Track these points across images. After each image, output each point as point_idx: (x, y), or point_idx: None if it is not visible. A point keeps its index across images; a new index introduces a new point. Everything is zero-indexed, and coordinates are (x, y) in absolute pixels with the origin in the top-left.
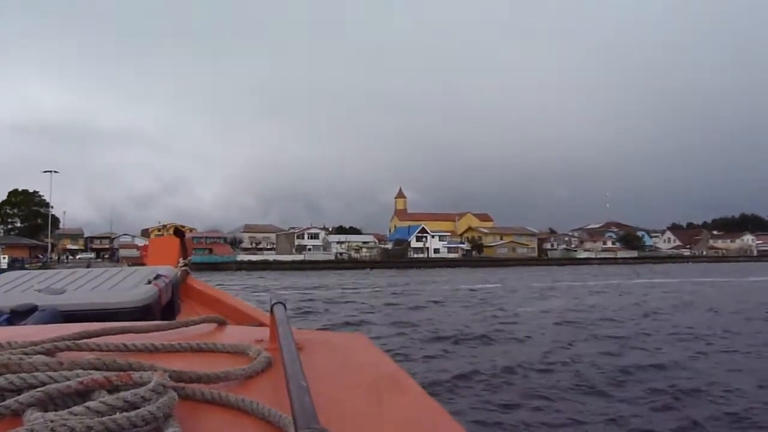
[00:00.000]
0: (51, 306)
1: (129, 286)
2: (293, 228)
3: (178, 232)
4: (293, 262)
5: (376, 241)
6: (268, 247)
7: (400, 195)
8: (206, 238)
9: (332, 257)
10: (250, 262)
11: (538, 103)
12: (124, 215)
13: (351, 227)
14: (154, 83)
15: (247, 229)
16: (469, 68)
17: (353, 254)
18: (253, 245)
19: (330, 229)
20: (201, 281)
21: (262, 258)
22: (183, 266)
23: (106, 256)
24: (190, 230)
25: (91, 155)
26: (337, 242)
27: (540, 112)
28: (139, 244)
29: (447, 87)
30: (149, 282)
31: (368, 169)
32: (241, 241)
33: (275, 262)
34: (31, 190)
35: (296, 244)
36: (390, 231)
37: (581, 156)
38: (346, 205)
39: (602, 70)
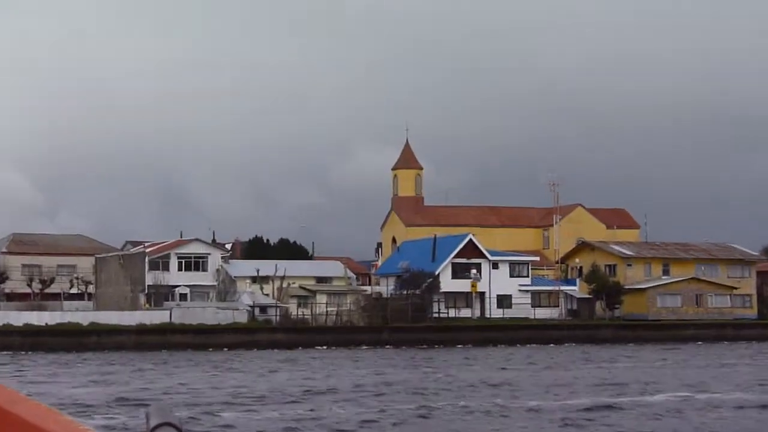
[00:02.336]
0: None
1: None
2: (131, 243)
3: None
4: (136, 331)
5: (352, 275)
6: (73, 285)
7: (408, 161)
8: None
9: (243, 317)
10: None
11: None
12: None
13: (285, 243)
14: None
15: (18, 242)
16: None
17: (297, 311)
18: (31, 280)
19: (232, 245)
20: None
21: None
22: None
23: None
24: None
25: None
26: (253, 280)
27: None
28: None
29: None
30: None
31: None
32: (2, 274)
33: (92, 330)
34: None
35: (146, 281)
36: (379, 252)
37: None
38: (265, 194)
39: None
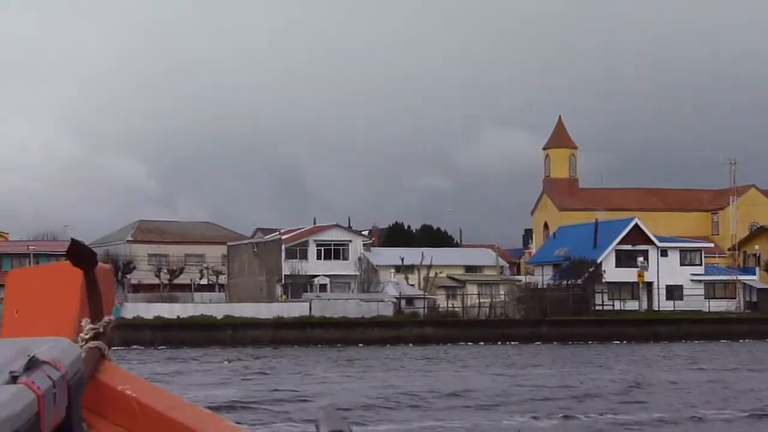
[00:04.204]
0: None
1: None
2: (262, 231)
3: (78, 249)
4: (273, 324)
5: (504, 264)
6: (203, 275)
7: (560, 140)
8: (42, 254)
9: (388, 309)
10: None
11: None
12: None
13: (428, 229)
14: None
15: (144, 230)
16: None
17: (446, 302)
18: (159, 270)
19: (370, 232)
20: (129, 372)
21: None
22: (92, 337)
23: None
24: (3, 237)
25: None
26: (397, 269)
27: None
28: None
29: None
30: (12, 378)
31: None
32: (129, 264)
33: (227, 324)
34: None
35: (282, 270)
36: (530, 240)
37: None
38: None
39: None
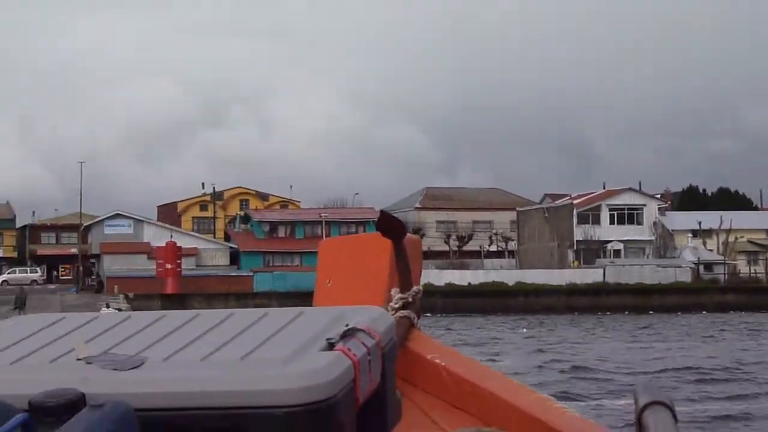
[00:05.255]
0: (113, 396)
1: (280, 354)
2: (550, 196)
3: (389, 221)
4: (566, 291)
5: None
6: (492, 242)
7: None
8: (333, 222)
9: (686, 275)
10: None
11: None
12: (111, 177)
13: (725, 192)
14: None
15: (432, 196)
16: None
17: (748, 268)
18: (448, 237)
19: (662, 196)
20: (437, 341)
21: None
22: (401, 306)
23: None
24: (295, 205)
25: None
26: (694, 234)
27: None
28: (154, 244)
29: None
30: (330, 345)
31: None
32: (419, 231)
33: (518, 290)
34: None
35: (574, 236)
36: None
37: None
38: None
39: None
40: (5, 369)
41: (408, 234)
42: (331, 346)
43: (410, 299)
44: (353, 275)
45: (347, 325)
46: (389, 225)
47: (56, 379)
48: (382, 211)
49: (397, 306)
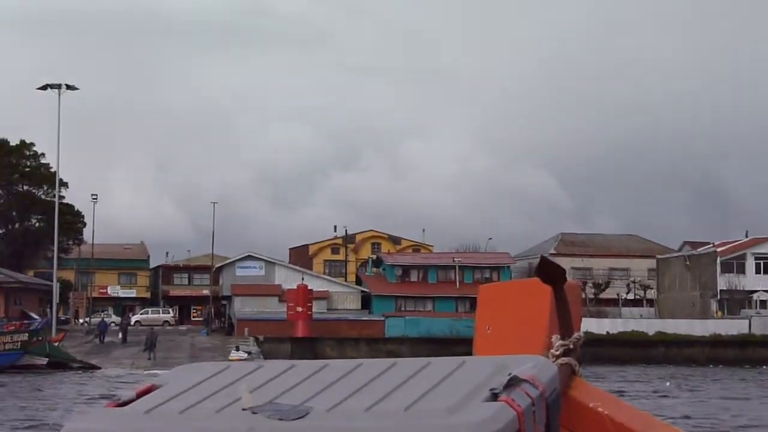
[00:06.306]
0: None
1: (444, 404)
2: (689, 244)
3: (549, 267)
4: (710, 342)
5: None
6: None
7: None
8: (466, 267)
9: None
10: (588, 341)
11: None
12: (243, 219)
13: None
14: None
15: (568, 242)
16: None
17: None
18: (584, 284)
19: None
20: (600, 389)
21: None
22: (562, 353)
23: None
24: (427, 249)
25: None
26: None
27: None
28: (286, 286)
29: None
30: (493, 395)
31: None
32: None
33: (659, 341)
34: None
35: (717, 285)
36: None
37: None
38: None
39: None
40: (174, 418)
41: (568, 280)
42: (494, 396)
43: (571, 346)
44: (513, 321)
45: (510, 375)
46: (549, 270)
47: (223, 429)
48: (542, 257)
49: (558, 353)
